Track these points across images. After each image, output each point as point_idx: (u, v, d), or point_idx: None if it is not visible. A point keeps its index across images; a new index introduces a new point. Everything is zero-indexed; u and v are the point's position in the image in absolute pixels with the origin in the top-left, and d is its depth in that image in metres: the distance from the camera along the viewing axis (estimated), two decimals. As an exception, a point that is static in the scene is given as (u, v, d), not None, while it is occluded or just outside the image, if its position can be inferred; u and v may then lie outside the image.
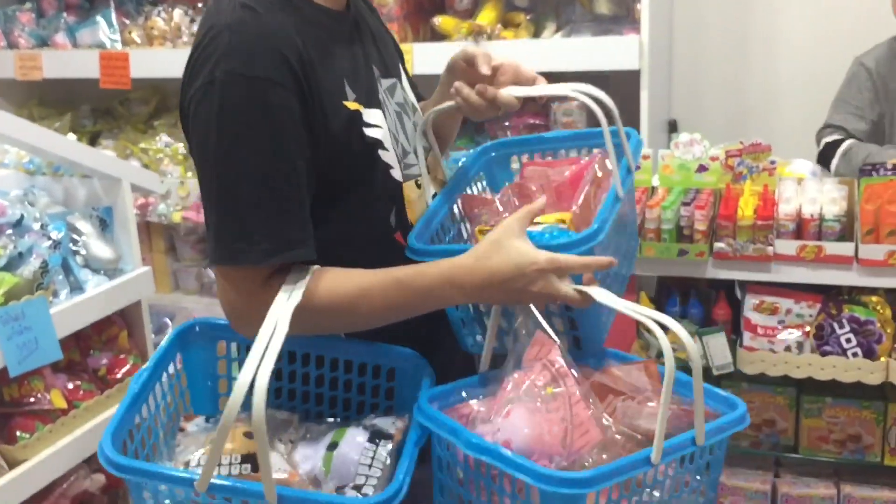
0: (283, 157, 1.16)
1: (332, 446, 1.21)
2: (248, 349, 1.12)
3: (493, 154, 1.50)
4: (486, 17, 2.79)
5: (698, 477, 1.18)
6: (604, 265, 1.15)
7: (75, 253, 2.07)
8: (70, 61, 3.15)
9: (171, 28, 3.07)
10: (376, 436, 1.22)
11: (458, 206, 1.39)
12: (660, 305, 2.08)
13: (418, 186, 1.35)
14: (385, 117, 1.30)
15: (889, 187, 1.82)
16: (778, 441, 2.03)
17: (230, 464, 1.15)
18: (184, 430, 1.28)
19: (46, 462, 1.89)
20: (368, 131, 1.26)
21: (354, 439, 1.21)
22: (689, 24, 2.95)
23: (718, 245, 1.92)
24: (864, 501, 1.97)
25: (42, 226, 2.02)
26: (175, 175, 3.09)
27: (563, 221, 1.26)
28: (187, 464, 1.18)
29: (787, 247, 1.87)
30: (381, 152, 1.27)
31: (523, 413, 1.11)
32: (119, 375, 2.14)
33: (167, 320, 2.49)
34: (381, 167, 1.28)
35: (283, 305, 1.13)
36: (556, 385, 1.12)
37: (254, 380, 1.03)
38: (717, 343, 1.96)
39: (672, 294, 2.09)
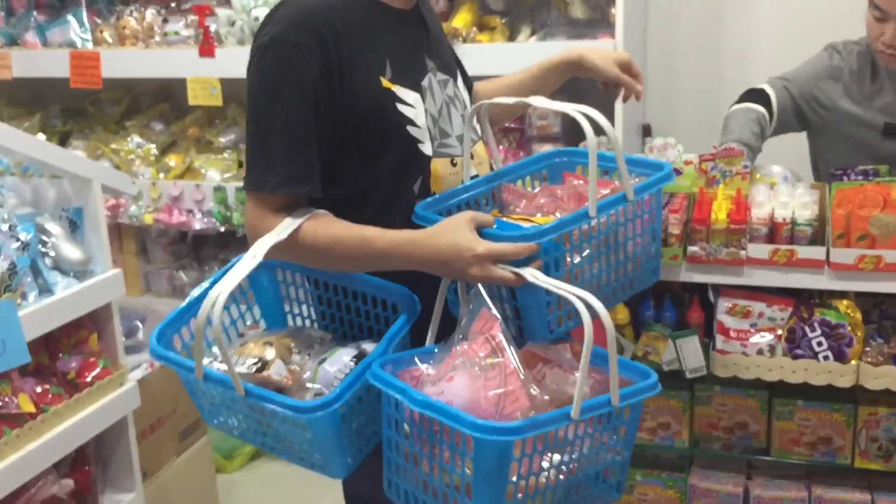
0: (301, 109, 1.41)
1: (322, 361, 1.47)
2: (305, 277, 1.61)
3: (557, 160, 1.74)
4: (461, 19, 2.79)
5: (615, 437, 1.39)
6: (525, 251, 1.37)
7: (44, 255, 2.04)
8: (40, 60, 3.12)
9: (144, 28, 3.04)
10: (359, 356, 1.47)
11: (498, 192, 1.64)
12: (634, 308, 2.09)
13: (453, 165, 1.58)
14: (424, 101, 1.53)
15: (859, 192, 1.84)
16: (750, 444, 2.04)
17: (246, 364, 1.44)
18: (243, 335, 1.60)
19: (14, 467, 1.86)
20: (401, 107, 1.50)
21: (341, 358, 1.47)
22: (663, 29, 2.97)
23: (692, 249, 1.92)
24: (835, 503, 1.98)
25: (10, 227, 1.98)
26: (147, 176, 3.06)
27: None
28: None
29: (760, 251, 1.88)
30: (410, 128, 1.51)
31: (464, 379, 1.29)
32: (89, 379, 2.11)
33: (138, 323, 2.46)
34: (409, 139, 1.51)
35: (269, 236, 1.41)
36: (494, 356, 1.30)
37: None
38: (691, 346, 1.97)
39: (646, 297, 2.09)
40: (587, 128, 1.42)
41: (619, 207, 1.51)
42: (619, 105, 2.61)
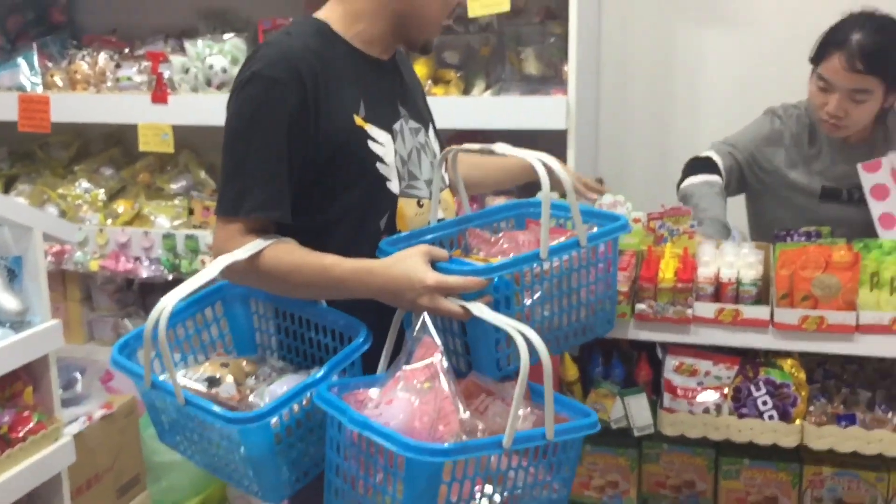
0: (276, 139, 1.50)
1: (271, 383, 1.55)
2: (276, 310, 1.69)
3: (527, 210, 1.82)
4: (416, 72, 2.80)
5: (551, 474, 1.41)
6: (474, 285, 1.42)
7: (-21, 304, 1.98)
8: (-12, 103, 3.06)
9: (96, 72, 3.01)
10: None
11: (464, 236, 1.72)
12: (583, 365, 2.09)
13: (419, 206, 1.67)
14: (394, 142, 1.63)
15: (802, 253, 1.87)
16: (697, 502, 2.03)
17: (197, 379, 1.51)
18: (209, 358, 1.65)
19: (-62, 527, 1.77)
20: (372, 144, 1.59)
21: (289, 381, 1.54)
22: (615, 86, 3.02)
23: (640, 306, 1.93)
24: (782, 563, 1.98)
25: (-56, 275, 1.93)
26: (94, 222, 3.00)
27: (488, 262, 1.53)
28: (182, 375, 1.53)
29: (706, 310, 1.90)
30: (379, 165, 1.60)
31: (402, 402, 1.34)
32: (22, 434, 2.03)
33: (77, 375, 2.39)
34: (377, 176, 1.60)
35: (231, 254, 1.49)
36: (431, 382, 1.35)
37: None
38: (639, 404, 1.97)
39: (595, 354, 2.09)
40: (543, 174, 1.48)
41: (572, 252, 1.58)
42: (571, 158, 2.64)
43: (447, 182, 1.80)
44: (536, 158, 1.52)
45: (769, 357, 1.96)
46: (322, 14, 1.65)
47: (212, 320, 1.73)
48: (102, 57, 3.02)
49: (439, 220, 1.69)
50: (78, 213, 2.99)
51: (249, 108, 1.51)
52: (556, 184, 1.58)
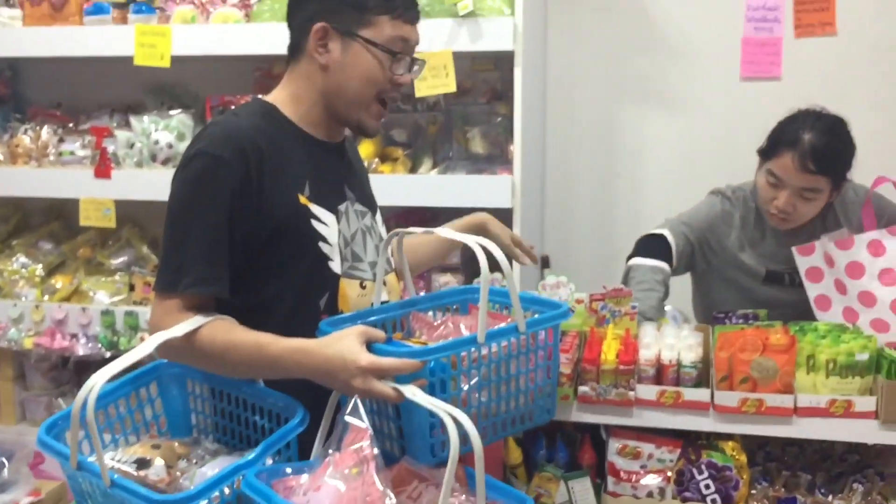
0: (216, 216, 1.51)
1: (202, 466, 1.52)
2: (212, 390, 1.66)
3: (473, 296, 1.79)
4: (364, 150, 2.83)
5: None
6: (408, 367, 1.40)
7: None
8: (-75, 176, 2.99)
9: (38, 146, 2.97)
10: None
11: (407, 320, 1.71)
12: (527, 448, 2.06)
13: (362, 287, 1.68)
14: (339, 223, 1.66)
15: (740, 336, 1.89)
16: (643, 588, 2.00)
17: (126, 461, 1.47)
18: (141, 440, 1.60)
19: None
20: (315, 223, 1.61)
21: (221, 464, 1.51)
22: (561, 166, 3.07)
23: (583, 389, 1.93)
24: None
25: None
26: (30, 298, 2.93)
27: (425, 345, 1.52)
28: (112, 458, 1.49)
29: (648, 392, 1.90)
30: (321, 244, 1.62)
31: (329, 489, 1.33)
32: (-60, 525, 1.93)
33: (3, 460, 2.29)
34: (319, 255, 1.62)
35: (167, 331, 1.47)
36: (359, 467, 1.33)
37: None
38: (583, 488, 1.95)
39: (539, 436, 2.07)
40: (482, 258, 1.48)
41: (511, 338, 1.56)
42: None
43: (392, 265, 1.81)
44: (476, 243, 1.52)
45: (711, 439, 1.96)
46: (270, 97, 1.69)
47: (146, 400, 1.70)
48: (45, 131, 2.99)
49: (383, 303, 1.69)
50: (14, 288, 2.92)
51: (192, 186, 1.53)
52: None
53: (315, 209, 1.62)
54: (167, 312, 1.52)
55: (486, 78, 2.93)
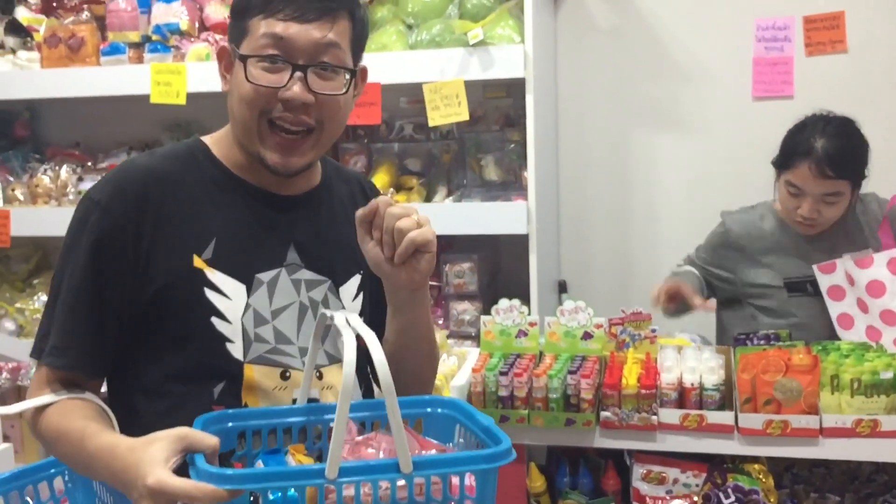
0: (83, 273, 1.27)
1: None
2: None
3: (434, 411, 1.29)
4: (379, 180, 2.84)
5: None
6: (206, 497, 1.01)
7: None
8: (-54, 218, 3.03)
9: (58, 186, 3.01)
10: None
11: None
12: (550, 475, 2.05)
13: (284, 378, 1.33)
14: (250, 295, 1.31)
15: (762, 357, 1.88)
16: None
17: None
18: None
19: None
20: (210, 294, 1.29)
21: None
22: (575, 191, 3.08)
23: (605, 414, 1.92)
24: None
25: None
26: (52, 336, 2.94)
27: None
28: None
29: (671, 416, 1.89)
30: (215, 320, 1.29)
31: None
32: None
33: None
34: (213, 335, 1.29)
35: (5, 409, 1.29)
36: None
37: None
38: (608, 515, 1.93)
39: (562, 463, 2.06)
40: (348, 343, 1.06)
41: (391, 476, 1.04)
42: (533, 262, 2.66)
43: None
44: (352, 337, 1.09)
45: (736, 462, 1.94)
46: (210, 136, 1.41)
47: (48, 499, 1.50)
48: (64, 170, 3.03)
49: (311, 401, 1.30)
50: (35, 327, 2.94)
51: (69, 234, 1.31)
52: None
53: (213, 276, 1.29)
54: (35, 385, 1.30)
55: (499, 105, 2.95)
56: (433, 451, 1.17)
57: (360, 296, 1.43)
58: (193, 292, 1.28)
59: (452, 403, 1.28)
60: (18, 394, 3.01)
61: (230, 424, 1.21)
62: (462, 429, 1.24)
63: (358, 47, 1.34)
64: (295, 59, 1.26)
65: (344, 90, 1.31)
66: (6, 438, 2.08)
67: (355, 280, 1.42)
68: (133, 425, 1.25)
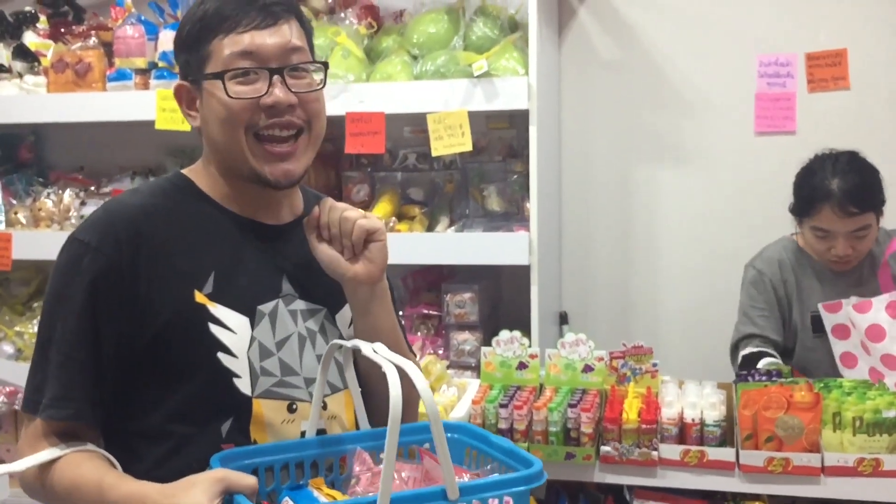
0: (77, 318, 1.23)
1: None
2: None
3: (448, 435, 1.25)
4: (381, 209, 2.85)
5: None
6: None
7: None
8: (-53, 240, 3.03)
9: (60, 210, 3.01)
10: None
11: (350, 459, 1.26)
12: (549, 509, 2.04)
13: (291, 410, 1.31)
14: (254, 328, 1.29)
15: (764, 394, 1.87)
16: None
17: None
18: None
19: None
20: (214, 329, 1.27)
21: None
22: (577, 222, 3.08)
23: (605, 449, 1.91)
24: None
25: None
26: (50, 360, 2.93)
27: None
28: None
29: (671, 451, 1.88)
30: (221, 355, 1.27)
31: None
32: None
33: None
34: (219, 370, 1.26)
35: (8, 465, 1.23)
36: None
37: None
38: (607, 551, 1.91)
39: (561, 498, 2.05)
40: (394, 382, 1.07)
41: None
42: (535, 293, 2.65)
43: (346, 383, 1.33)
44: (393, 367, 1.09)
45: (737, 500, 1.93)
46: (190, 168, 1.39)
47: None
48: (68, 194, 3.03)
49: (320, 433, 1.29)
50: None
51: (56, 278, 1.26)
52: None
53: (217, 310, 1.27)
54: (29, 439, 1.25)
55: (502, 136, 2.96)
56: (466, 477, 1.19)
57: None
58: (197, 329, 1.26)
59: (461, 428, 1.29)
60: (15, 419, 2.99)
61: (245, 462, 1.19)
62: (474, 452, 1.25)
63: (311, 45, 1.36)
64: (268, 65, 1.27)
65: (321, 84, 1.32)
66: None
67: (343, 309, 1.41)
68: (132, 470, 1.24)
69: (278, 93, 1.26)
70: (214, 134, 1.30)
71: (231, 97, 1.26)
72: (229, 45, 1.26)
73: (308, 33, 1.35)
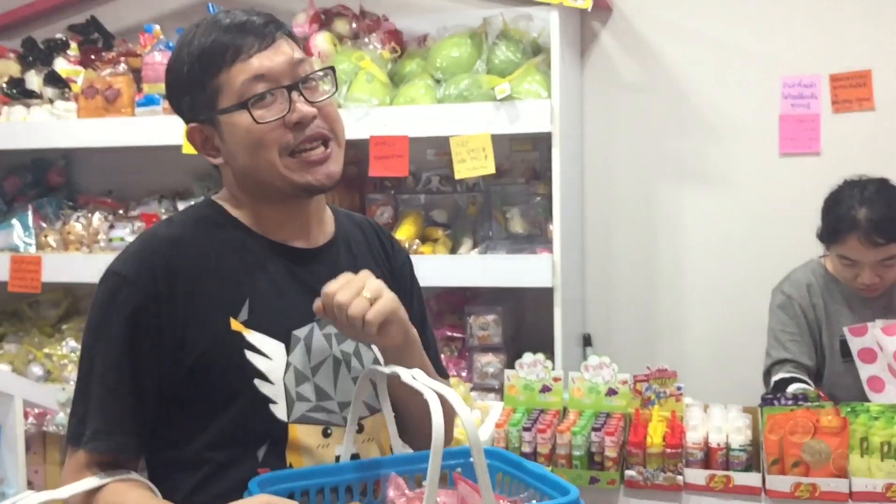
0: (117, 351, 1.25)
1: None
2: None
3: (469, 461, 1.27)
4: (405, 231, 2.86)
5: None
6: None
7: (-48, 475, 1.92)
8: (-21, 264, 3.09)
9: (89, 233, 3.06)
10: None
11: (384, 483, 1.25)
12: (573, 534, 2.02)
13: (326, 435, 1.32)
14: (290, 353, 1.30)
15: (790, 418, 1.85)
16: None
17: None
18: None
19: None
20: (251, 356, 1.28)
21: None
22: (601, 244, 3.07)
23: (629, 473, 1.89)
24: None
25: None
26: (78, 382, 2.97)
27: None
28: None
29: (697, 476, 1.86)
30: (258, 382, 1.28)
31: None
32: None
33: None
34: (256, 397, 1.28)
35: (41, 495, 1.24)
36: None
37: None
38: (632, 577, 1.90)
39: (585, 522, 2.03)
40: (436, 410, 1.06)
41: None
42: (558, 315, 2.65)
43: (380, 406, 1.33)
44: (435, 395, 1.10)
45: (765, 526, 1.90)
46: (219, 194, 1.40)
47: None
48: (97, 217, 3.08)
49: (354, 457, 1.30)
50: (63, 372, 2.97)
51: (95, 312, 1.29)
52: None
53: (253, 337, 1.28)
54: (73, 469, 1.27)
55: (525, 158, 2.97)
56: (503, 503, 1.18)
57: None
58: (234, 356, 1.27)
59: (495, 453, 1.27)
60: (43, 440, 3.02)
61: (282, 486, 1.19)
62: (506, 478, 1.24)
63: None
64: (282, 83, 1.28)
65: (334, 89, 1.35)
66: (30, 485, 2.08)
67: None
68: (170, 499, 1.26)
69: (301, 107, 1.28)
70: (245, 162, 1.31)
71: (259, 123, 1.27)
72: (240, 74, 1.27)
73: (299, 44, 1.37)
